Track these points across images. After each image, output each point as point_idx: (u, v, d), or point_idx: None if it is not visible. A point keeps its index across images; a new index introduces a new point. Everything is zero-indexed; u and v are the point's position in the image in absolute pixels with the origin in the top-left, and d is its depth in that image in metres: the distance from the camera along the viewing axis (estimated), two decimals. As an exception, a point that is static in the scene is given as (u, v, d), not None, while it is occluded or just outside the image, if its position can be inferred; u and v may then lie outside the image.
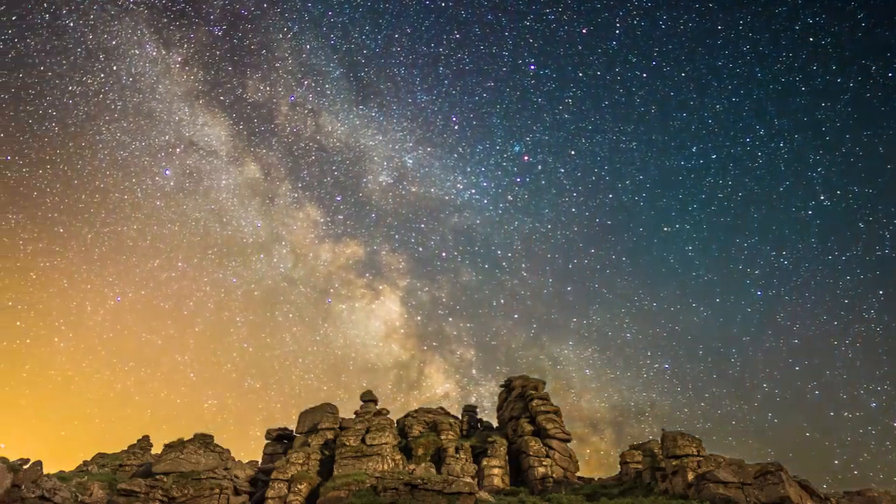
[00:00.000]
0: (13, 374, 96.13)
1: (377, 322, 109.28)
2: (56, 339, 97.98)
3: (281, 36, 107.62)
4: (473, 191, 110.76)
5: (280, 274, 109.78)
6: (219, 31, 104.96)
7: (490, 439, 40.76)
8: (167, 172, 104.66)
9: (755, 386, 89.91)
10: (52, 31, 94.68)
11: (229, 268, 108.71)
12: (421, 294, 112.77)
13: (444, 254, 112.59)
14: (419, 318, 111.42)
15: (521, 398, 44.81)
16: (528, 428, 41.07)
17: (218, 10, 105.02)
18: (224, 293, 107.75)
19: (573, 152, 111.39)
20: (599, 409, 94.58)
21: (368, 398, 43.61)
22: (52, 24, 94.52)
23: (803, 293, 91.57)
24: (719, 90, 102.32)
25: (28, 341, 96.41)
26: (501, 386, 49.89)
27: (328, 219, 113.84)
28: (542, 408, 42.05)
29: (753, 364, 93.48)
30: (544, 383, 46.06)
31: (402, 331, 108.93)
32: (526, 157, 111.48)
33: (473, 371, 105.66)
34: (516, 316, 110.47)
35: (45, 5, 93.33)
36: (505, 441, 41.18)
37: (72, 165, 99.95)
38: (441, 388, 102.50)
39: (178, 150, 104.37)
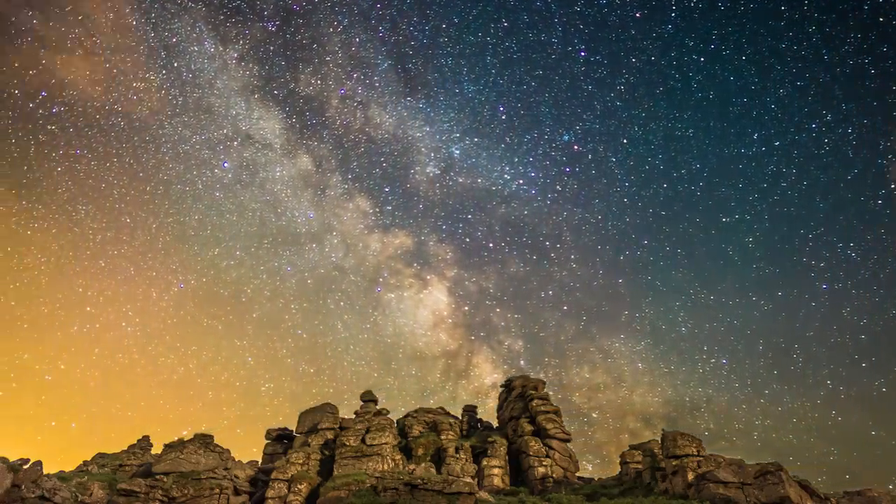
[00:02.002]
0: (83, 356, 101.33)
1: (425, 311, 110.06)
2: (123, 324, 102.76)
3: (331, 30, 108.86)
4: (521, 181, 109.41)
5: (332, 263, 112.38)
6: (272, 26, 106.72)
7: (490, 439, 40.77)
8: (225, 165, 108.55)
9: (818, 383, 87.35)
10: (115, 30, 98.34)
11: (284, 257, 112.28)
12: (468, 284, 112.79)
13: (491, 244, 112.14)
14: (467, 307, 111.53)
15: (521, 398, 44.80)
16: (528, 428, 41.08)
17: (271, 6, 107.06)
18: (279, 281, 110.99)
19: (625, 141, 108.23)
20: (652, 403, 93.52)
21: (368, 398, 43.57)
22: (116, 23, 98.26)
23: (871, 286, 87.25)
24: (783, 73, 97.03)
25: (97, 326, 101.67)
26: (501, 386, 49.92)
27: (377, 209, 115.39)
28: (542, 408, 42.06)
29: (817, 360, 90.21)
30: (544, 383, 46.07)
31: (450, 320, 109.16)
32: (575, 147, 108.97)
33: (522, 362, 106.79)
34: (565, 307, 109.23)
35: (109, 4, 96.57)
36: (505, 441, 41.19)
37: (137, 159, 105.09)
38: (489, 378, 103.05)
39: (235, 143, 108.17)
